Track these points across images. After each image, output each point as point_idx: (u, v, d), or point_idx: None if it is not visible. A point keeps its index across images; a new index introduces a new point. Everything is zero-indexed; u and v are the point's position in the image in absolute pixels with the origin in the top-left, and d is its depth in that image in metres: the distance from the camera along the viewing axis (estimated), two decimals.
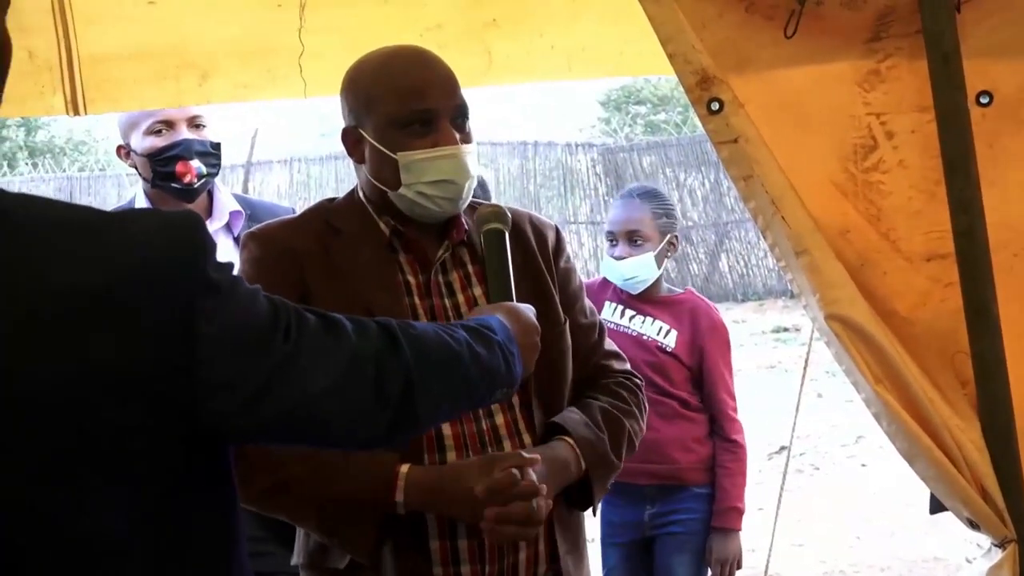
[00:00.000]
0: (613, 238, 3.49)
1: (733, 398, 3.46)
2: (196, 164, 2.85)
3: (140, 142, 2.86)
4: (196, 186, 2.85)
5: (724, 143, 2.08)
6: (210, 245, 1.30)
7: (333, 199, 2.18)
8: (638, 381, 2.29)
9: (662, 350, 3.39)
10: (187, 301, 1.25)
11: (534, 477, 1.92)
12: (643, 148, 16.50)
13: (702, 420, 3.42)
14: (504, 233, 2.02)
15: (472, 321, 1.70)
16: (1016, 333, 2.09)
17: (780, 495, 3.03)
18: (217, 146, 2.91)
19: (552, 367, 2.11)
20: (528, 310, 1.90)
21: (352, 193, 2.16)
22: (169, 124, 2.85)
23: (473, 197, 2.16)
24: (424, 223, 2.09)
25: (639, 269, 3.42)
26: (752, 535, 5.30)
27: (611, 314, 3.47)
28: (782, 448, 7.40)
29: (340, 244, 2.07)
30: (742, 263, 15.47)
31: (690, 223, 15.48)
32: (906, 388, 2.06)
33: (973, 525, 2.11)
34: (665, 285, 3.55)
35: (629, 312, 3.46)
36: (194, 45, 2.56)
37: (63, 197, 17.96)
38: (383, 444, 1.53)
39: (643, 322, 3.43)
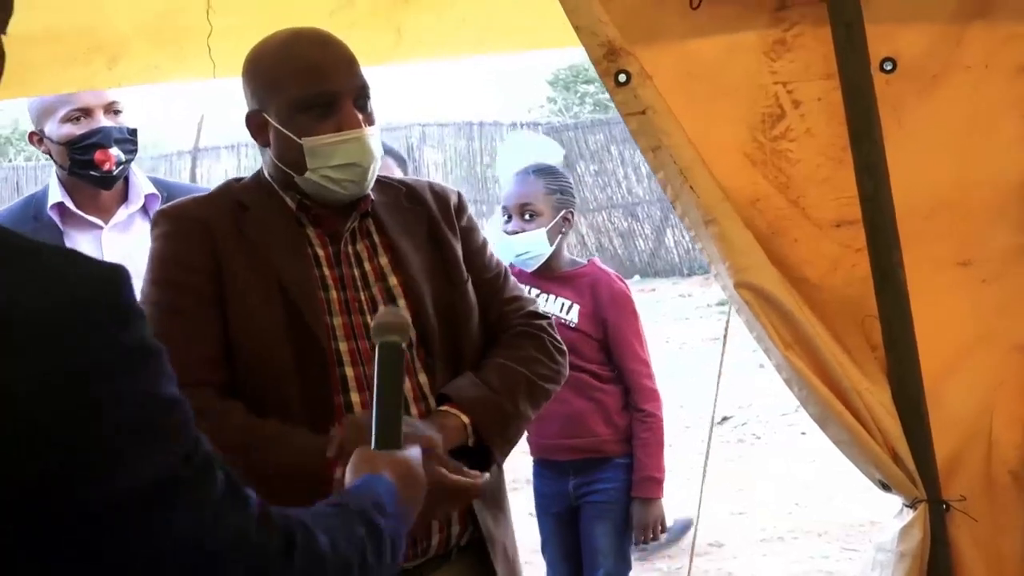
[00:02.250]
0: (507, 213, 3.48)
1: (646, 365, 3.45)
2: (115, 152, 2.82)
3: (56, 129, 2.83)
4: (115, 173, 2.83)
5: (632, 115, 2.09)
6: (128, 309, 1.18)
7: (240, 179, 2.19)
8: (539, 323, 2.28)
9: (566, 327, 3.38)
10: (86, 360, 1.10)
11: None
12: (588, 126, 16.50)
13: (616, 392, 3.43)
14: (403, 349, 1.77)
15: (368, 501, 1.52)
16: (925, 296, 2.12)
17: (705, 464, 3.05)
18: (134, 132, 2.88)
19: (456, 328, 2.14)
20: (415, 457, 1.71)
21: (258, 174, 2.17)
22: (86, 112, 2.82)
23: (385, 173, 2.17)
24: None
25: (531, 244, 3.41)
26: (694, 504, 5.35)
27: None
28: (725, 418, 7.49)
29: (249, 219, 2.08)
30: (687, 238, 15.51)
31: (636, 199, 15.56)
32: (816, 353, 2.08)
33: (885, 487, 2.15)
34: (568, 258, 3.54)
35: (534, 291, 3.44)
36: (103, 27, 2.52)
37: (9, 188, 17.90)
38: None
39: (546, 300, 3.43)
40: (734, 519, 5.52)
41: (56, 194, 2.86)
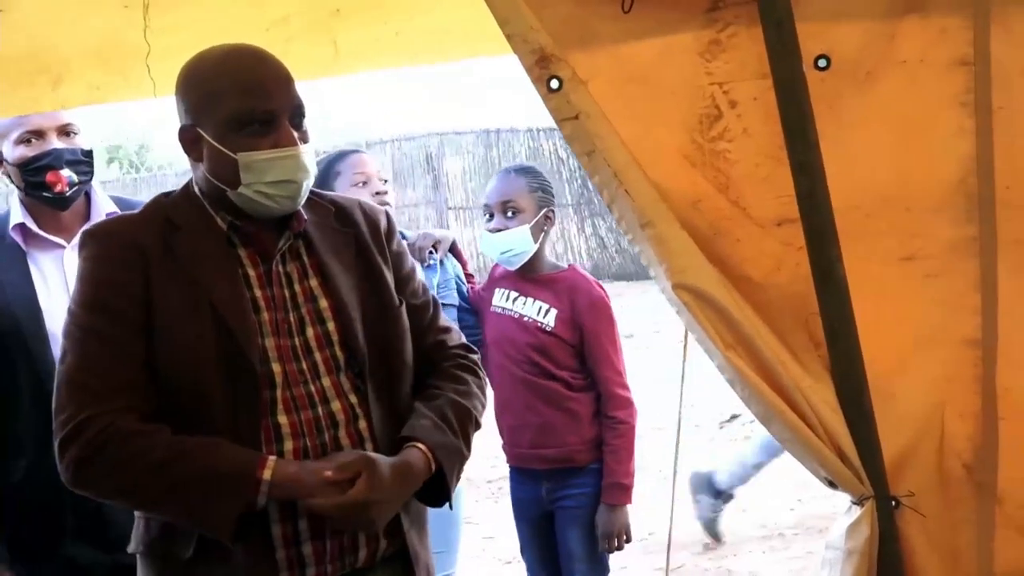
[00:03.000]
0: (489, 212, 3.48)
1: (619, 373, 3.43)
2: (67, 173, 2.83)
3: (11, 152, 2.85)
4: (68, 194, 2.84)
5: (565, 120, 2.10)
6: None
7: (169, 194, 2.19)
8: (473, 357, 2.34)
9: (542, 330, 3.38)
10: None
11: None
12: None
13: (588, 399, 3.41)
14: None
15: None
16: (870, 293, 2.12)
17: (675, 463, 3.03)
18: (89, 153, 2.90)
19: (387, 351, 2.16)
20: None
21: (187, 187, 2.17)
22: (39, 134, 2.83)
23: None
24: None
25: (514, 241, 3.41)
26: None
27: (500, 299, 3.48)
28: (733, 416, 7.46)
29: (180, 239, 2.08)
30: None
31: None
32: (757, 353, 2.08)
33: (831, 484, 2.15)
34: (549, 261, 3.53)
35: (514, 294, 3.46)
36: (46, 50, 2.54)
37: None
38: None
39: (525, 303, 3.43)
40: (736, 515, 5.50)
41: (18, 215, 2.88)
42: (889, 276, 2.15)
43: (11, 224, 2.88)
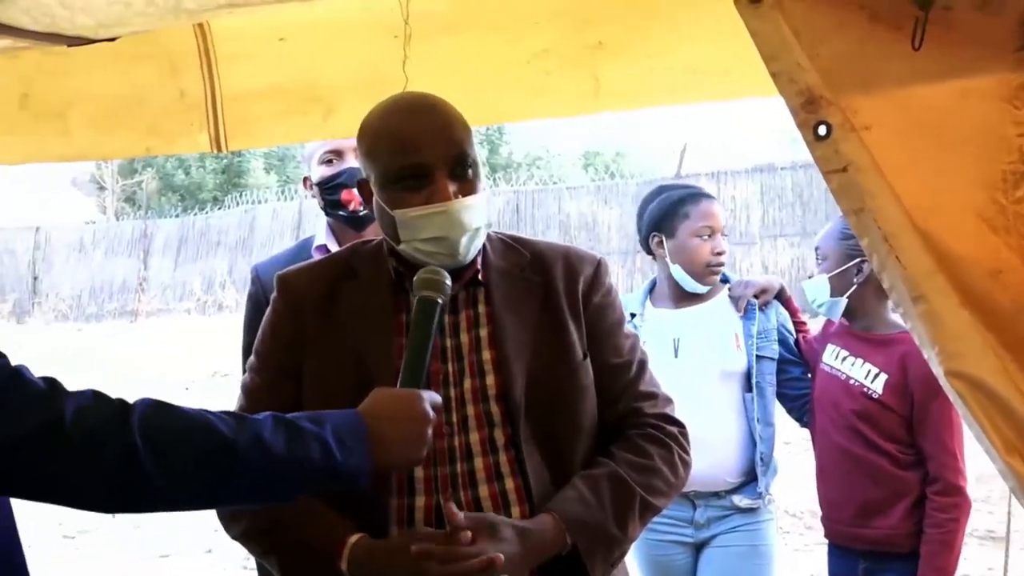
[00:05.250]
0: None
1: (952, 456, 3.00)
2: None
3: (315, 172, 2.94)
4: (361, 213, 2.90)
5: (832, 172, 1.85)
6: None
7: (368, 242, 2.19)
8: (672, 429, 2.12)
9: (868, 396, 3.04)
10: None
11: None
12: None
13: (916, 479, 3.03)
14: (436, 304, 1.91)
15: (303, 414, 1.70)
16: None
17: (1007, 541, 2.63)
18: None
19: (552, 410, 2.02)
20: (418, 398, 1.79)
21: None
22: (338, 153, 2.92)
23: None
24: None
25: (813, 290, 3.13)
26: None
27: (830, 356, 3.18)
28: None
29: (351, 287, 2.08)
30: None
31: None
32: None
33: None
34: (890, 320, 3.16)
35: (844, 353, 3.14)
36: (319, 80, 2.60)
37: (510, 210, 19.39)
38: (112, 509, 1.56)
39: (854, 364, 3.10)
40: None
41: (321, 237, 2.99)
42: None
43: (315, 245, 2.96)
